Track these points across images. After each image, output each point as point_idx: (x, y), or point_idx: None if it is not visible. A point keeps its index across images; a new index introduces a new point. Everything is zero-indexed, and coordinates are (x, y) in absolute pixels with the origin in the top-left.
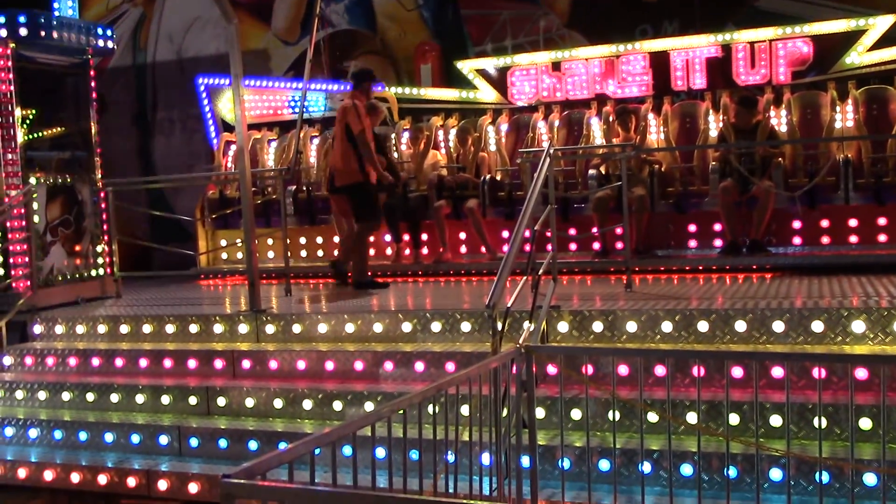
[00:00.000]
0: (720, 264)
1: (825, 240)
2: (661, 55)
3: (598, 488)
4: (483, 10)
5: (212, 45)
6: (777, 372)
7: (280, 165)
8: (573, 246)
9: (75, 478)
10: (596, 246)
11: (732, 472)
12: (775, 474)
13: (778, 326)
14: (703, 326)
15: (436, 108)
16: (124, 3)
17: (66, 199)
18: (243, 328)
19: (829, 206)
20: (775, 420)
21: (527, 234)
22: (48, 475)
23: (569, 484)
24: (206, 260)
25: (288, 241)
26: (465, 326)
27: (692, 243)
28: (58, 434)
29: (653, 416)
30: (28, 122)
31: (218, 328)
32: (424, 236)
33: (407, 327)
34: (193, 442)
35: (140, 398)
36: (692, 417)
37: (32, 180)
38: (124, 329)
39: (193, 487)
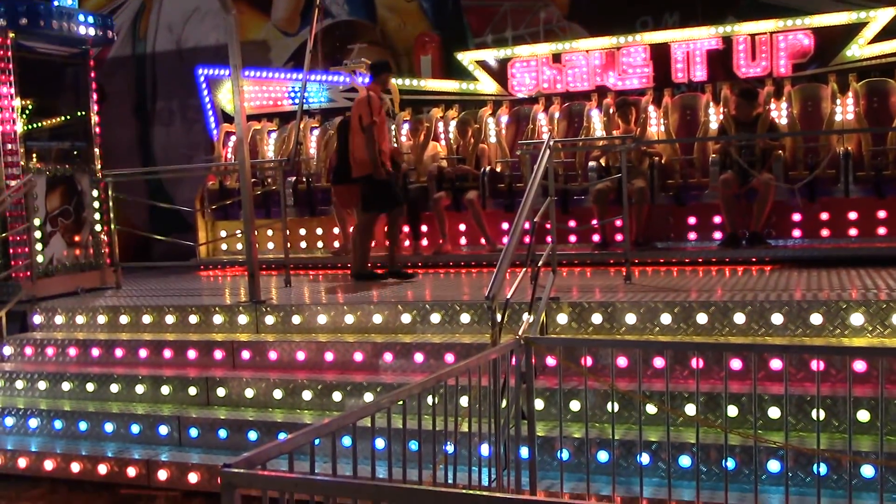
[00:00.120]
0: (720, 256)
1: (825, 232)
2: (661, 47)
3: (597, 479)
4: (483, 1)
5: (211, 35)
6: (775, 364)
7: (280, 156)
8: (573, 238)
9: (75, 467)
10: (595, 238)
11: (731, 463)
12: (773, 466)
13: (777, 319)
14: (702, 318)
15: (436, 99)
16: None
17: (66, 190)
18: (243, 319)
19: (828, 199)
20: (773, 412)
21: (526, 225)
22: (48, 465)
23: (567, 475)
24: (206, 251)
25: (288, 232)
26: (465, 318)
27: (692, 235)
28: (58, 424)
29: (651, 408)
30: (27, 112)
31: (218, 319)
32: (424, 228)
33: (406, 318)
34: (193, 432)
35: (140, 388)
36: (691, 409)
37: (32, 170)
38: (124, 319)
39: (193, 477)
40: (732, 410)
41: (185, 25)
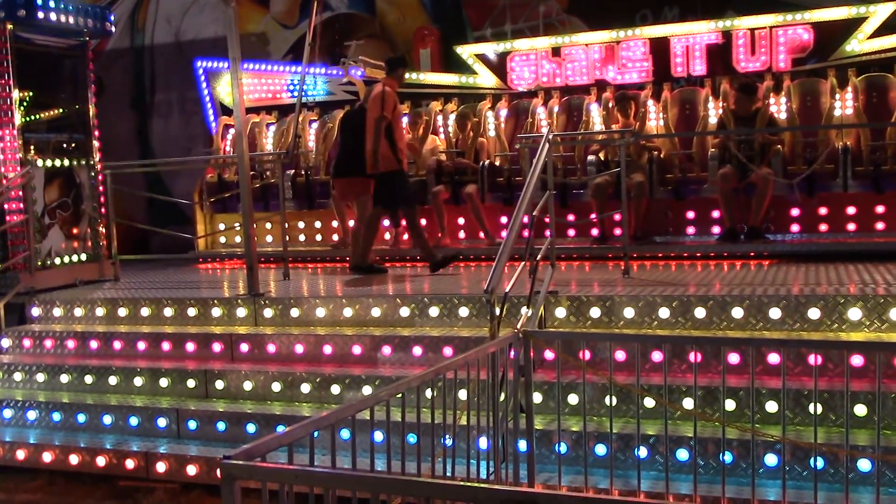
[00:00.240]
0: (718, 251)
1: (823, 227)
2: (661, 41)
3: (595, 473)
4: None
5: (210, 27)
6: (773, 358)
7: (278, 149)
8: (571, 232)
9: (74, 460)
10: (594, 232)
11: (728, 457)
12: (770, 460)
13: (775, 313)
14: (700, 313)
15: (435, 93)
16: None
17: (64, 182)
18: (241, 312)
19: (827, 194)
20: (771, 406)
21: (525, 219)
22: (47, 457)
23: (565, 468)
24: (205, 243)
25: (286, 225)
26: (464, 311)
27: (690, 230)
28: (56, 416)
29: (649, 402)
30: (25, 104)
31: (216, 311)
32: (423, 221)
33: (405, 312)
34: (192, 424)
35: (138, 381)
36: (689, 403)
37: (30, 162)
38: (122, 312)
39: (192, 470)
40: (730, 404)
41: (184, 17)
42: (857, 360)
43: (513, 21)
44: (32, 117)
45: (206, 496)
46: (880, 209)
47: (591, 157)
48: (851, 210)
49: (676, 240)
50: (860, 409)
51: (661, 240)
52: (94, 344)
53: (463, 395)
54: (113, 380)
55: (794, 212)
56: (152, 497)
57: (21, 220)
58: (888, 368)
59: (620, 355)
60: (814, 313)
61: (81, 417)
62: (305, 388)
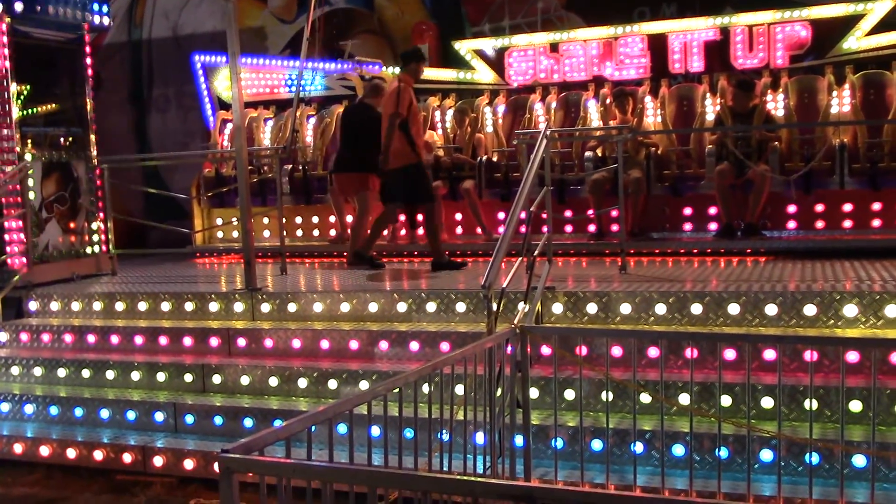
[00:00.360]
0: (715, 247)
1: (820, 224)
2: (659, 38)
3: (591, 468)
4: None
5: (208, 22)
6: (769, 354)
7: (276, 144)
8: (569, 228)
9: (71, 454)
10: (591, 228)
11: (724, 452)
12: (766, 455)
13: (771, 309)
14: (696, 309)
15: (433, 88)
16: None
17: (62, 176)
18: (239, 306)
19: (824, 191)
20: (767, 402)
21: (522, 215)
22: (44, 451)
23: (562, 463)
24: (202, 238)
25: (284, 219)
26: (461, 307)
27: (687, 226)
28: (53, 410)
29: (645, 397)
30: (23, 97)
31: (213, 306)
32: (420, 217)
33: (402, 307)
34: (189, 419)
35: (136, 375)
36: (685, 399)
37: (28, 156)
38: (120, 306)
39: (189, 464)
40: (726, 400)
41: (182, 12)
42: (852, 357)
43: (511, 17)
44: (30, 111)
45: (204, 490)
46: (877, 206)
47: (588, 154)
48: (848, 207)
49: (673, 236)
50: (855, 405)
51: (658, 236)
52: (91, 338)
53: (460, 390)
54: (110, 374)
55: (791, 208)
56: (150, 491)
57: (18, 213)
58: (883, 365)
59: (617, 351)
60: (810, 310)
61: (79, 411)
62: (303, 382)
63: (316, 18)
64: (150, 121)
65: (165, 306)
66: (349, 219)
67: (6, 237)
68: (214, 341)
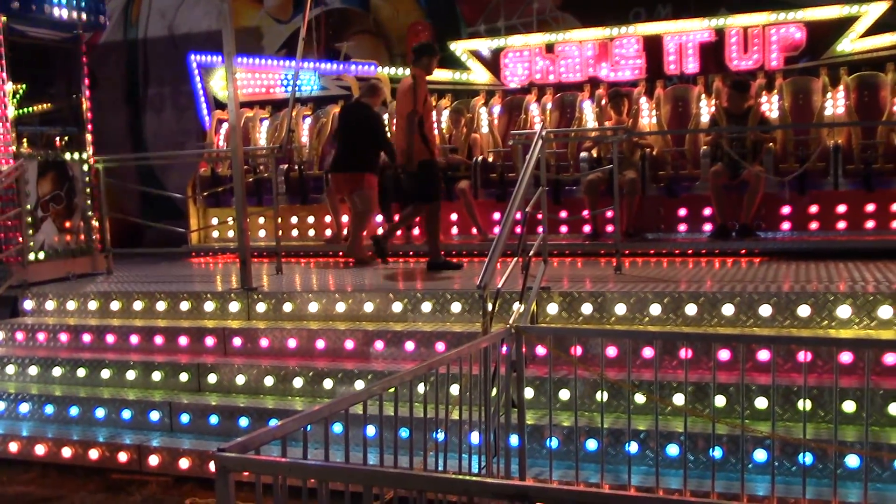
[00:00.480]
0: (709, 248)
1: (814, 225)
2: (654, 39)
3: (586, 467)
4: None
5: (204, 21)
6: (763, 355)
7: (272, 144)
8: (564, 228)
9: (66, 452)
10: (587, 228)
11: (718, 452)
12: (760, 455)
13: (765, 310)
14: (691, 309)
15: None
16: None
17: (58, 175)
18: (234, 306)
19: (818, 192)
20: (761, 402)
21: (518, 215)
22: (39, 449)
23: (556, 463)
24: (198, 237)
25: (279, 219)
26: (456, 307)
27: (682, 227)
28: (49, 409)
29: (640, 398)
30: (18, 96)
31: (209, 306)
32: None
33: (398, 307)
34: (184, 418)
35: (131, 374)
36: (679, 399)
37: (23, 155)
38: (115, 305)
39: (184, 463)
40: (720, 400)
41: (178, 11)
42: (846, 357)
43: (506, 17)
44: (25, 110)
45: (199, 489)
46: (870, 207)
47: (583, 154)
48: (842, 208)
49: (668, 237)
50: (849, 406)
51: (653, 237)
52: (86, 337)
53: (455, 389)
54: (106, 373)
55: (786, 209)
56: (145, 490)
57: (14, 212)
58: (877, 365)
59: (612, 351)
60: (804, 310)
61: (74, 410)
62: (298, 382)
63: (312, 18)
64: (145, 120)
65: (161, 306)
66: (345, 218)
67: (2, 236)
68: (210, 341)
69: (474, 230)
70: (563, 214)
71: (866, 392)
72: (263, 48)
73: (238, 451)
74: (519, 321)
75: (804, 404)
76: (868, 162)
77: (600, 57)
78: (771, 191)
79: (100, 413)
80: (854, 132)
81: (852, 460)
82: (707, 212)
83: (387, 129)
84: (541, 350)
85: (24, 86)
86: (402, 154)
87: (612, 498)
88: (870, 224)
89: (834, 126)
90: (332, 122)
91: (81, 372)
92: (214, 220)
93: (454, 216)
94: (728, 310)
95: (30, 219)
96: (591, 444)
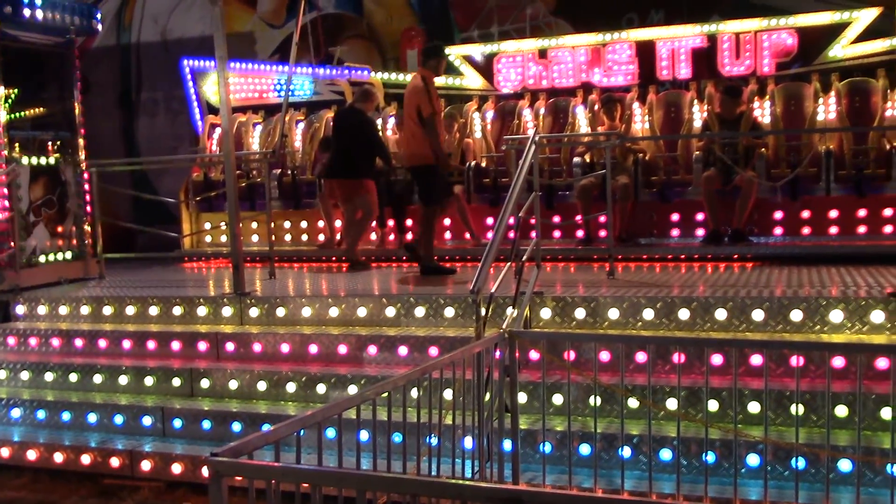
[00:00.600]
0: (702, 253)
1: (806, 230)
2: (646, 44)
3: (579, 472)
4: None
5: (197, 26)
6: (756, 360)
7: (265, 149)
8: (557, 233)
9: (58, 458)
10: (580, 233)
11: (711, 457)
12: (752, 460)
13: (758, 315)
14: (684, 314)
15: None
16: None
17: (50, 180)
18: (227, 311)
19: (810, 197)
20: (753, 407)
21: (511, 220)
22: (31, 455)
23: (550, 468)
24: (190, 242)
25: (272, 224)
26: (449, 311)
27: (675, 232)
28: (41, 414)
29: (633, 402)
30: (10, 101)
31: (202, 310)
32: (409, 221)
33: (391, 312)
34: (177, 423)
35: (123, 379)
36: (672, 403)
37: (24, 161)
38: (107, 310)
39: (177, 468)
40: (713, 405)
41: (171, 16)
42: (838, 362)
43: (500, 23)
44: (18, 115)
45: (191, 494)
46: (862, 213)
47: (576, 159)
48: (834, 213)
49: (661, 242)
50: (841, 410)
51: (645, 241)
52: (78, 342)
53: (448, 394)
54: (98, 378)
55: (778, 215)
56: (137, 495)
57: (6, 217)
58: (869, 370)
59: (605, 356)
60: (796, 315)
61: (66, 415)
62: (291, 387)
63: (307, 23)
64: (138, 125)
65: (153, 310)
66: (338, 223)
67: None
68: (203, 345)
69: (467, 235)
70: (557, 219)
71: (858, 396)
72: (257, 53)
73: (231, 455)
74: (512, 326)
75: (797, 409)
76: (859, 167)
77: (593, 62)
78: (763, 196)
79: (92, 418)
80: (845, 138)
81: (845, 465)
82: (699, 217)
83: (380, 134)
84: (534, 355)
85: (16, 90)
86: (412, 157)
87: (605, 502)
88: (861, 229)
89: (825, 132)
90: (324, 128)
91: (73, 377)
92: (207, 225)
93: (447, 221)
94: (721, 314)
95: (22, 223)
96: (585, 449)
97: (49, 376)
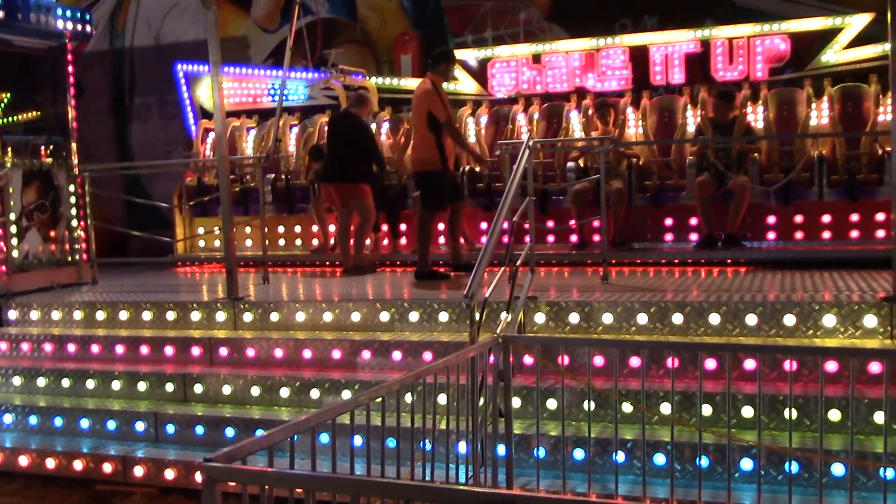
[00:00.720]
0: (696, 258)
1: (799, 235)
2: (640, 50)
3: (573, 477)
4: (464, 1)
5: (190, 31)
6: (749, 364)
7: (259, 153)
8: (551, 238)
9: (50, 463)
10: (573, 238)
11: (704, 461)
12: (746, 464)
13: (751, 319)
14: (677, 319)
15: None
16: None
17: (42, 184)
18: (221, 316)
19: (803, 202)
20: (747, 411)
21: (505, 225)
22: (23, 461)
23: (544, 472)
24: (184, 247)
25: (266, 229)
26: (443, 316)
27: (668, 237)
28: (33, 420)
29: (627, 407)
30: (3, 105)
31: (195, 315)
32: (403, 226)
33: (385, 317)
34: (170, 428)
35: (116, 384)
36: (666, 408)
37: (8, 164)
38: (100, 315)
39: (170, 474)
40: (707, 409)
41: (164, 20)
42: (831, 366)
43: (494, 28)
44: (10, 119)
45: (184, 500)
46: (855, 217)
47: (570, 164)
48: (826, 218)
49: (655, 246)
50: (834, 415)
51: (639, 246)
52: (71, 347)
53: (442, 399)
54: (90, 383)
55: (771, 219)
56: (130, 501)
57: None
58: (861, 374)
59: (599, 360)
60: (789, 320)
61: (58, 421)
62: (285, 392)
63: (302, 27)
64: (131, 129)
65: (146, 315)
66: (332, 228)
67: None
68: (196, 351)
69: (462, 240)
70: (550, 224)
71: (851, 401)
72: (250, 58)
73: (224, 461)
74: (506, 331)
75: (790, 413)
76: (852, 172)
77: (587, 67)
78: (756, 201)
79: (84, 424)
80: (838, 143)
81: (838, 469)
82: (693, 221)
83: (375, 138)
84: (528, 359)
85: (9, 94)
86: (420, 162)
87: None
88: (854, 234)
89: (818, 136)
90: (318, 132)
91: (66, 382)
92: (201, 230)
93: (441, 226)
94: (714, 319)
95: (14, 228)
96: (579, 454)
97: (41, 381)
